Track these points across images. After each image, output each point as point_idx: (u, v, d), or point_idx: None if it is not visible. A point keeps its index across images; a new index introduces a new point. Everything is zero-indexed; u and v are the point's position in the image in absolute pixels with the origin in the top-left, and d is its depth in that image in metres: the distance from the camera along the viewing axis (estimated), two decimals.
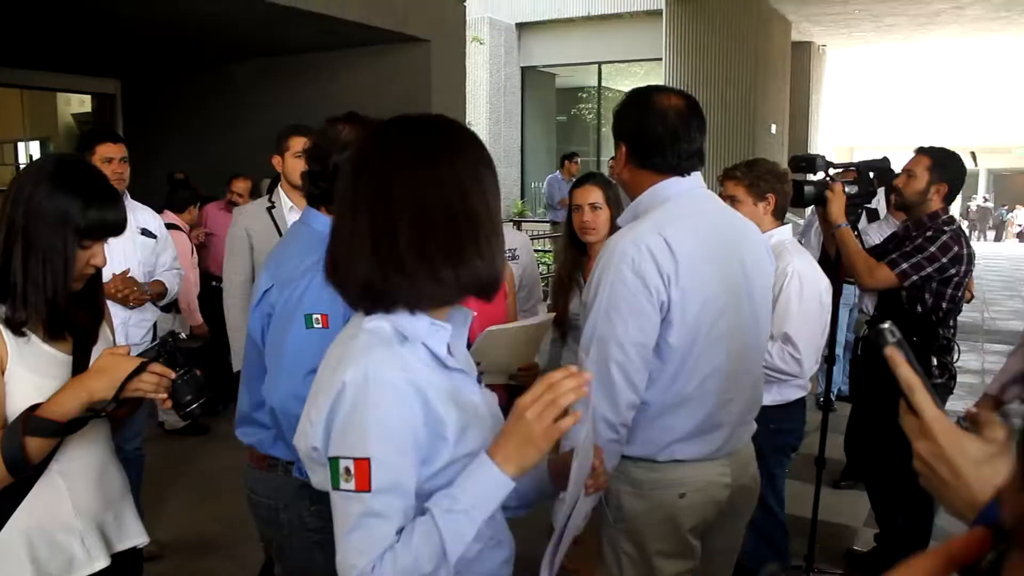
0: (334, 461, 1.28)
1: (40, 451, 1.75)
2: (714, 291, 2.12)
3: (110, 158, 3.70)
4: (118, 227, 1.87)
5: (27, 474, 1.77)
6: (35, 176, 1.79)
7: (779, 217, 3.23)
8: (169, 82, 9.12)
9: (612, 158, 11.25)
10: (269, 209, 3.79)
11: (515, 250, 3.16)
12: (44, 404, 1.74)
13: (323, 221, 2.26)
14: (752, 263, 2.25)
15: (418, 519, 1.29)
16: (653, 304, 2.04)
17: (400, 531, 1.28)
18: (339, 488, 1.28)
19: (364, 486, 1.25)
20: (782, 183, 3.21)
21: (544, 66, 18.67)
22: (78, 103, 12.97)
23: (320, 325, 2.09)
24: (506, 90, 17.94)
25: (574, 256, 3.34)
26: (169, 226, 4.51)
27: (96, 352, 1.91)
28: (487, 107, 17.55)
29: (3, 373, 1.77)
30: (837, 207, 3.44)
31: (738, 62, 12.26)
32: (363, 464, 1.25)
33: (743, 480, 2.33)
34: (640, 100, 2.19)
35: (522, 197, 18.41)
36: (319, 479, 1.39)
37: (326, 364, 1.38)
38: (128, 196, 3.90)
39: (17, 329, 1.78)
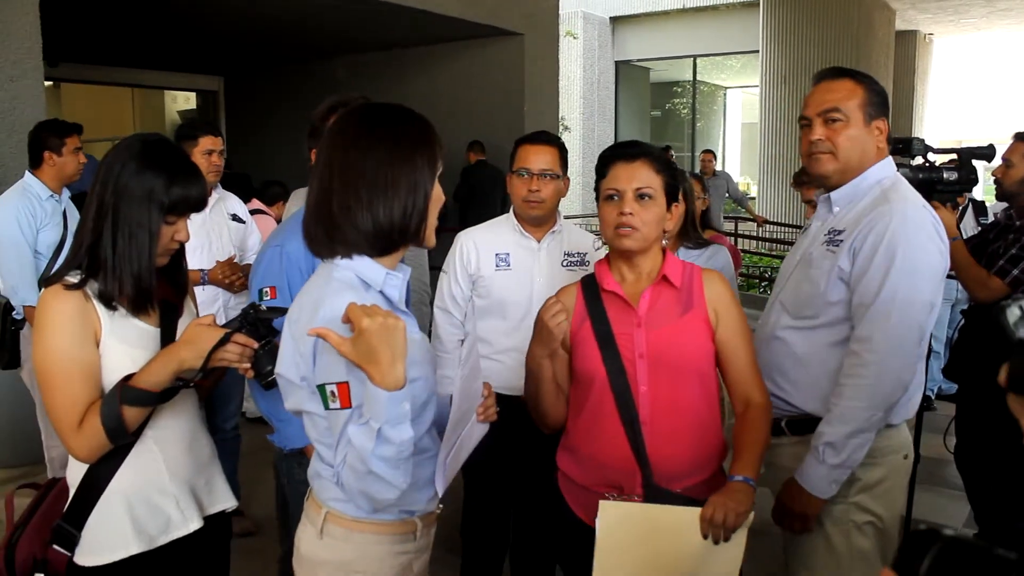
0: (321, 387, 1.54)
1: (136, 420, 1.84)
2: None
3: (211, 150, 3.85)
4: (200, 203, 1.94)
5: (126, 441, 1.86)
6: (123, 156, 1.88)
7: None
8: (268, 78, 9.40)
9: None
10: None
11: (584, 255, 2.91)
12: (137, 374, 1.82)
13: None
14: None
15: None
16: (944, 265, 2.16)
17: None
18: (329, 408, 1.55)
19: (347, 403, 1.52)
20: None
21: (638, 60, 18.52)
22: (183, 100, 13.48)
23: (269, 297, 2.37)
24: (600, 85, 17.85)
25: None
26: (257, 211, 4.65)
27: (182, 325, 1.99)
28: (580, 102, 17.50)
29: (98, 345, 1.86)
30: (947, 223, 3.29)
31: (837, 53, 11.95)
32: (344, 387, 1.51)
33: None
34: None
35: None
36: (294, 401, 1.67)
37: (303, 306, 1.62)
38: (219, 186, 4.05)
39: (108, 303, 1.86)
